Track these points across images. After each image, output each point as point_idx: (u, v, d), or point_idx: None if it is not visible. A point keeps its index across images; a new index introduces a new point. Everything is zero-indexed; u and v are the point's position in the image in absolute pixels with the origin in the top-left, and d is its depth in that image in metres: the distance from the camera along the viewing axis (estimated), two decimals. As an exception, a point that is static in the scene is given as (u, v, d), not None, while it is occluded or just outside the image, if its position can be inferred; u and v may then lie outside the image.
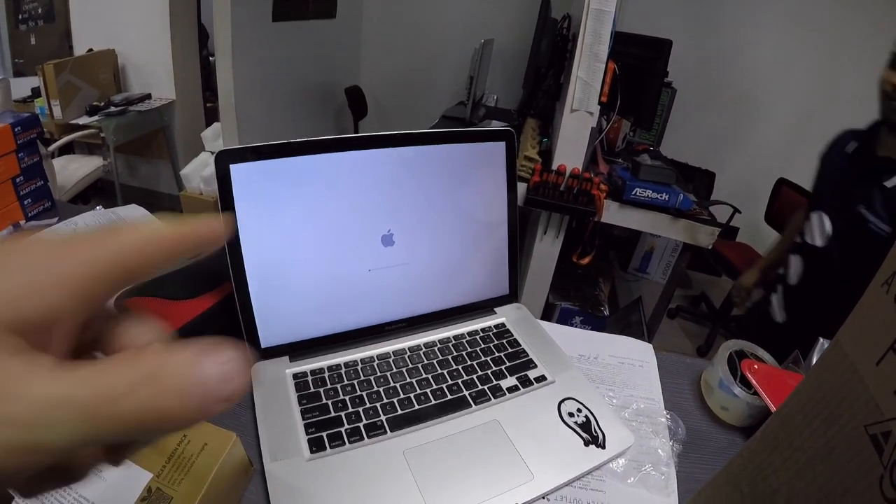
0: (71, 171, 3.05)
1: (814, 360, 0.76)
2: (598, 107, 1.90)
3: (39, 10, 3.52)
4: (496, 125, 2.77)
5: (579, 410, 0.64)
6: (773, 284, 1.57)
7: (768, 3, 3.02)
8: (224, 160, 0.60)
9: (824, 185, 1.40)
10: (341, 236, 0.68)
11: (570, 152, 1.96)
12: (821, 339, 0.77)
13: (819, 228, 1.34)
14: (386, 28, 3.73)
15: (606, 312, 2.43)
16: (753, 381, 0.68)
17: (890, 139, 1.21)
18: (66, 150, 3.29)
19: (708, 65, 3.20)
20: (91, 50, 3.30)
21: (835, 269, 1.28)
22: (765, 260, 1.75)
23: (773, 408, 0.65)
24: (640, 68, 2.06)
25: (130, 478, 0.46)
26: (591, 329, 2.31)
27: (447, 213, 0.74)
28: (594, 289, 2.57)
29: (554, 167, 1.97)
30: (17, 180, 0.99)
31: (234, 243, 0.62)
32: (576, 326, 2.34)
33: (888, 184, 1.15)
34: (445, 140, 0.72)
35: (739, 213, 2.93)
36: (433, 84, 3.76)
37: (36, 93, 3.18)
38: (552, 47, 2.41)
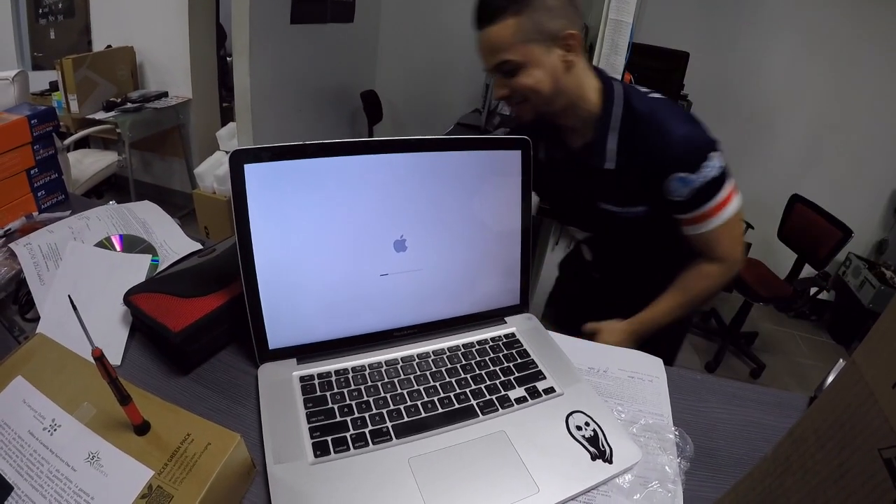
0: (86, 165, 3.08)
1: (829, 381, 0.75)
2: (614, 118, 1.89)
3: (60, 5, 3.57)
4: (510, 133, 2.77)
5: (587, 424, 0.63)
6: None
7: (785, 20, 3.01)
8: (238, 159, 0.60)
9: (549, 200, 1.29)
10: (353, 240, 0.68)
11: (584, 163, 1.95)
12: (839, 360, 0.76)
13: (579, 233, 1.26)
14: (403, 34, 3.74)
15: (616, 324, 2.41)
16: None
17: (557, 124, 1.07)
18: (82, 144, 3.33)
19: (724, 79, 3.19)
20: (110, 46, 3.34)
21: (606, 252, 1.24)
22: None
23: None
24: (656, 80, 2.06)
25: (132, 474, 0.46)
26: (600, 341, 2.30)
27: (460, 221, 0.74)
28: (604, 300, 2.54)
29: (567, 177, 1.97)
30: (32, 172, 1.00)
31: (245, 243, 0.62)
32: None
33: (605, 166, 1.01)
34: (461, 147, 0.72)
35: (752, 228, 2.91)
36: (449, 91, 3.76)
37: (54, 86, 3.22)
38: (569, 57, 2.41)
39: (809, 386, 0.84)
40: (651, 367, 0.79)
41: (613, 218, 1.07)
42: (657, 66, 2.10)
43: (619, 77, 1.79)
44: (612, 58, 1.77)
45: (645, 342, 1.02)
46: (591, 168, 1.03)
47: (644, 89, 1.03)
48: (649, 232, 1.09)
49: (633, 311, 1.10)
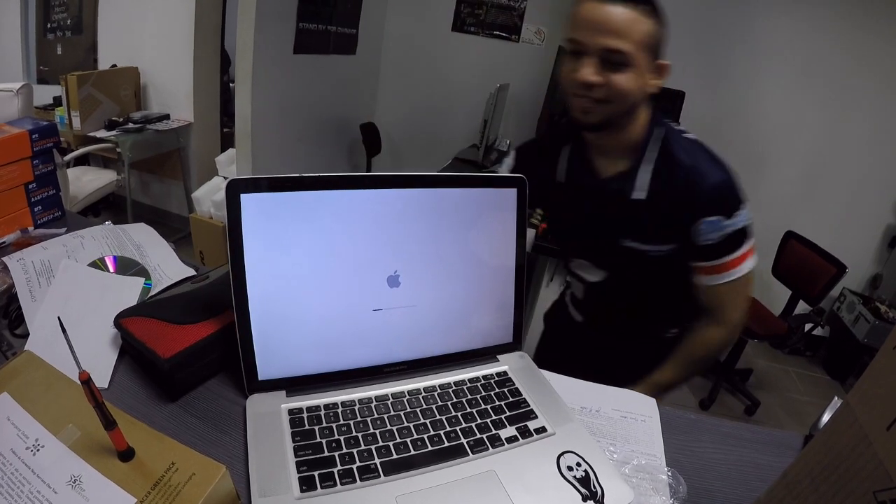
0: (84, 182, 3.09)
1: (823, 421, 0.75)
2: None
3: (68, 22, 3.63)
4: (508, 168, 2.80)
5: (579, 464, 0.62)
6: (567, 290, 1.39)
7: (780, 60, 3.08)
8: (235, 189, 0.61)
9: (560, 229, 1.22)
10: (347, 274, 0.68)
11: (581, 199, 1.97)
12: (835, 398, 0.76)
13: (588, 270, 1.16)
14: (404, 68, 3.80)
15: (609, 361, 2.40)
16: None
17: (597, 142, 1.02)
18: (82, 161, 3.35)
19: (718, 117, 3.24)
20: (115, 65, 3.38)
21: (619, 293, 1.16)
22: None
23: None
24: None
25: (113, 501, 0.45)
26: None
27: (455, 258, 0.74)
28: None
29: (563, 213, 1.98)
30: (30, 186, 1.00)
31: (238, 273, 0.62)
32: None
33: (634, 196, 0.98)
34: (458, 184, 0.73)
35: (747, 266, 2.92)
36: (447, 125, 3.81)
37: (58, 101, 3.26)
38: (567, 94, 2.45)
39: (805, 422, 0.82)
40: (644, 406, 0.78)
41: (633, 256, 1.02)
42: (653, 104, 2.13)
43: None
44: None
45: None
46: (620, 199, 0.99)
47: (681, 128, 1.01)
48: (660, 279, 1.07)
49: (615, 357, 1.10)
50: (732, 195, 0.93)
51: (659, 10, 0.88)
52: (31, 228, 0.99)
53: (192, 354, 0.66)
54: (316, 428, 0.62)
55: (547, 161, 1.11)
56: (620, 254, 1.04)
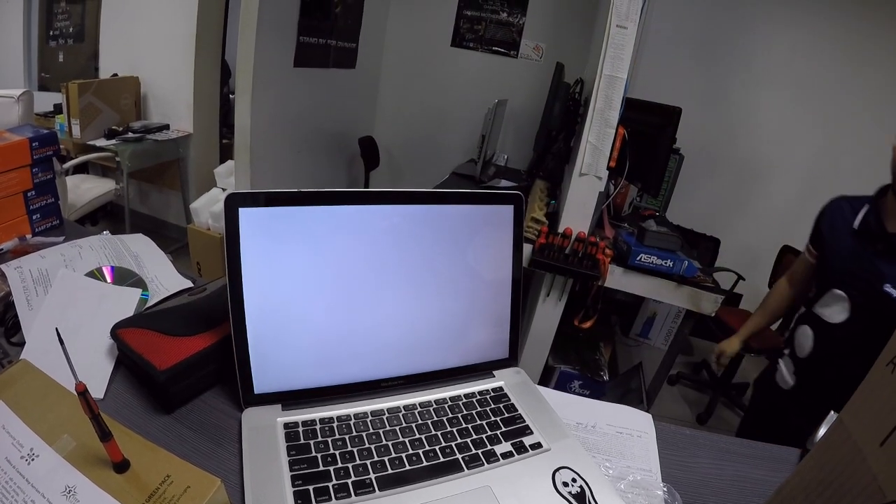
0: (83, 190, 3.09)
1: (819, 435, 0.75)
2: (607, 171, 1.92)
3: (70, 30, 3.66)
4: (505, 184, 2.81)
5: (574, 480, 0.62)
6: (779, 351, 1.60)
7: (776, 76, 3.11)
8: (234, 203, 0.61)
9: (834, 261, 1.42)
10: (344, 289, 0.68)
11: (577, 216, 1.97)
12: (831, 412, 0.76)
13: (837, 306, 1.36)
14: (403, 82, 3.82)
15: (606, 377, 2.40)
16: None
17: (885, 214, 1.29)
18: (81, 169, 3.35)
19: (716, 133, 3.26)
20: (116, 75, 3.40)
21: (854, 344, 1.29)
22: (746, 330, 1.81)
23: None
24: (650, 135, 2.10)
25: (107, 513, 0.45)
26: (590, 393, 2.29)
27: (452, 273, 0.74)
28: (594, 353, 2.54)
29: (560, 230, 1.98)
30: (29, 194, 1.01)
31: (236, 286, 0.62)
32: (574, 390, 2.32)
33: None
34: (455, 200, 0.73)
35: (743, 279, 2.93)
36: (445, 140, 3.83)
37: (58, 109, 3.26)
38: (564, 111, 2.46)
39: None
40: (640, 422, 0.78)
41: (888, 300, 1.23)
42: (650, 120, 2.14)
43: (612, 131, 1.83)
44: (607, 112, 1.81)
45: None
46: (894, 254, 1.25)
47: None
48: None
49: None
50: None
51: None
52: (28, 236, 0.99)
53: (189, 367, 0.66)
54: (311, 442, 0.62)
55: (851, 213, 1.40)
56: (878, 294, 1.25)
